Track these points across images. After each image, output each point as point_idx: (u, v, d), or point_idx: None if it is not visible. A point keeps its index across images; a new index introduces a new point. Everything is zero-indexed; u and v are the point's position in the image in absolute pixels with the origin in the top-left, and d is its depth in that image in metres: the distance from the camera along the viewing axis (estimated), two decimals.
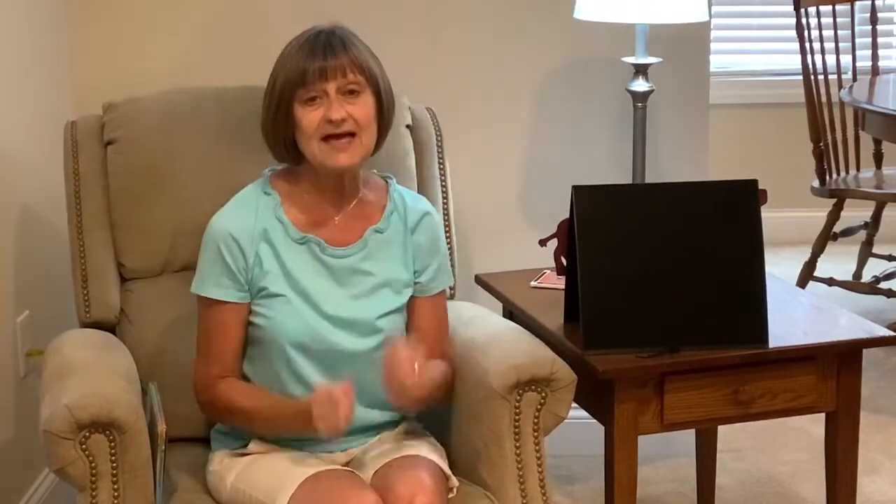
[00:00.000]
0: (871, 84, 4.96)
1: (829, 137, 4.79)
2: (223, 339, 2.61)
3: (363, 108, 2.56)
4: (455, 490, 2.58)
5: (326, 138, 2.55)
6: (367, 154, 2.61)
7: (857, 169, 4.90)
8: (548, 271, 3.19)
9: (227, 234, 2.59)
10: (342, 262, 2.62)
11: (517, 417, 2.60)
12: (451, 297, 3.04)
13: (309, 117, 2.55)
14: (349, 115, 2.54)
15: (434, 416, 2.76)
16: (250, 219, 2.61)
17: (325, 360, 2.60)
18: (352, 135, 2.56)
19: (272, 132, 2.62)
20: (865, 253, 5.24)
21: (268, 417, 2.57)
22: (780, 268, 4.94)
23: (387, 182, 2.72)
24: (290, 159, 2.64)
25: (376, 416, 2.66)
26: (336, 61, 2.54)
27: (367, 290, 2.63)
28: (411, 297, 2.68)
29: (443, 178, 3.07)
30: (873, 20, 5.05)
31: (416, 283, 2.69)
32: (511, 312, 3.09)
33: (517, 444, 2.61)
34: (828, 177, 4.79)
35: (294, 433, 2.56)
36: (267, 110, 2.61)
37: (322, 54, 2.54)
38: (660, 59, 3.39)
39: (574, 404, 2.66)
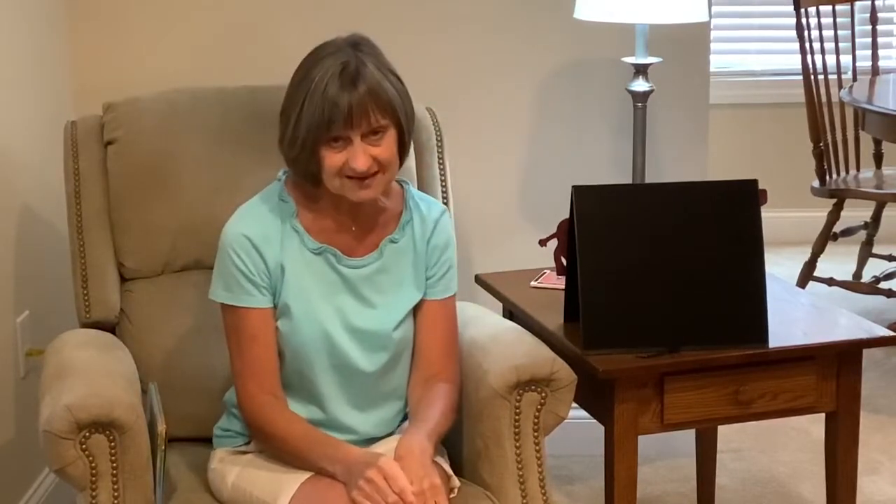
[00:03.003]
0: (871, 84, 4.97)
1: (829, 137, 4.79)
2: (254, 349, 2.56)
3: (386, 149, 2.52)
4: (456, 490, 2.58)
5: (349, 177, 2.52)
6: (388, 184, 2.60)
7: (857, 169, 4.90)
8: (548, 271, 3.19)
9: (243, 237, 2.56)
10: (358, 273, 2.61)
11: (517, 417, 2.60)
12: None
13: (333, 159, 2.50)
14: (373, 160, 2.51)
15: None
16: (267, 224, 2.58)
17: (341, 373, 2.60)
18: (374, 174, 2.53)
19: (294, 164, 2.56)
20: (865, 253, 5.24)
21: (313, 458, 2.50)
22: (780, 268, 4.95)
23: (402, 187, 2.71)
24: (310, 184, 2.58)
25: (376, 429, 2.65)
26: (359, 102, 2.46)
27: (382, 300, 2.62)
28: (420, 301, 2.67)
29: (443, 178, 3.07)
30: (873, 20, 5.05)
31: (426, 280, 2.68)
32: (511, 312, 3.09)
33: (517, 444, 2.61)
34: (828, 177, 4.79)
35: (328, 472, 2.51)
36: (290, 144, 2.53)
37: (348, 94, 2.46)
38: (660, 59, 3.39)
39: (574, 404, 2.66)
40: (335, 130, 2.48)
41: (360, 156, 2.49)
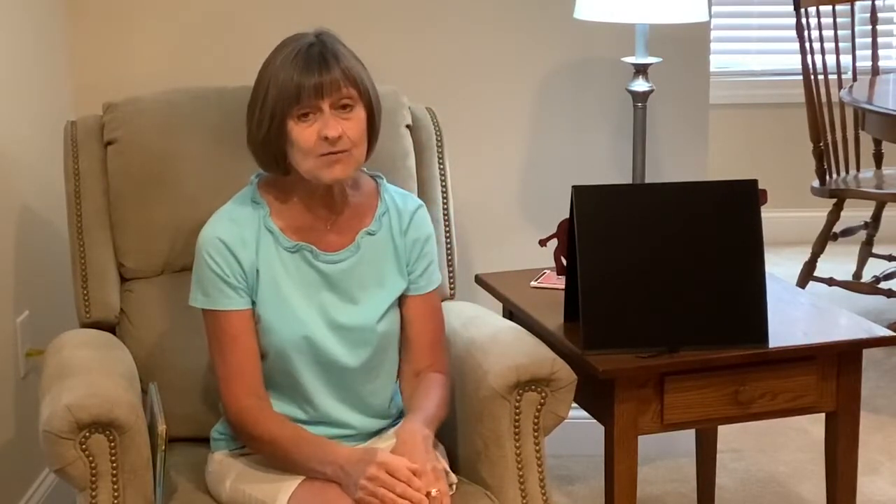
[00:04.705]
0: (871, 84, 4.97)
1: (829, 137, 4.80)
2: (235, 351, 2.57)
3: (356, 123, 2.54)
4: (454, 487, 2.58)
5: (321, 155, 2.53)
6: (359, 166, 2.60)
7: (857, 169, 4.90)
8: (548, 271, 3.19)
9: (217, 240, 2.57)
10: (335, 268, 2.61)
11: (517, 417, 2.60)
12: (451, 297, 3.04)
13: (304, 134, 2.51)
14: (344, 133, 2.51)
15: None
16: (241, 227, 2.59)
17: (325, 370, 2.60)
18: (346, 151, 2.54)
19: (263, 146, 2.57)
20: (865, 253, 5.24)
21: (302, 460, 2.50)
22: (780, 268, 4.95)
23: (377, 182, 2.71)
24: (280, 171, 2.60)
25: (373, 423, 2.66)
26: (330, 76, 2.51)
27: (363, 293, 2.63)
28: (404, 297, 2.68)
29: (443, 178, 3.07)
30: (873, 20, 5.05)
31: (408, 276, 2.68)
32: (511, 312, 3.09)
33: (517, 444, 2.61)
34: (828, 177, 4.79)
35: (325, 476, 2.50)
36: (258, 125, 2.56)
37: (317, 69, 2.50)
38: (660, 59, 3.39)
39: (574, 404, 2.66)
40: (305, 100, 2.50)
41: (331, 123, 2.51)
